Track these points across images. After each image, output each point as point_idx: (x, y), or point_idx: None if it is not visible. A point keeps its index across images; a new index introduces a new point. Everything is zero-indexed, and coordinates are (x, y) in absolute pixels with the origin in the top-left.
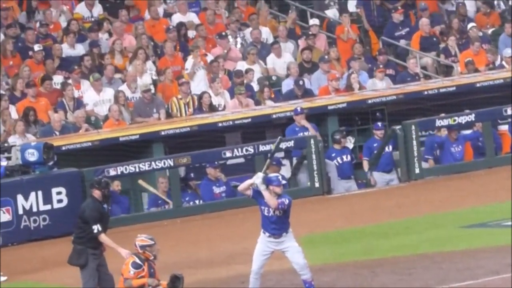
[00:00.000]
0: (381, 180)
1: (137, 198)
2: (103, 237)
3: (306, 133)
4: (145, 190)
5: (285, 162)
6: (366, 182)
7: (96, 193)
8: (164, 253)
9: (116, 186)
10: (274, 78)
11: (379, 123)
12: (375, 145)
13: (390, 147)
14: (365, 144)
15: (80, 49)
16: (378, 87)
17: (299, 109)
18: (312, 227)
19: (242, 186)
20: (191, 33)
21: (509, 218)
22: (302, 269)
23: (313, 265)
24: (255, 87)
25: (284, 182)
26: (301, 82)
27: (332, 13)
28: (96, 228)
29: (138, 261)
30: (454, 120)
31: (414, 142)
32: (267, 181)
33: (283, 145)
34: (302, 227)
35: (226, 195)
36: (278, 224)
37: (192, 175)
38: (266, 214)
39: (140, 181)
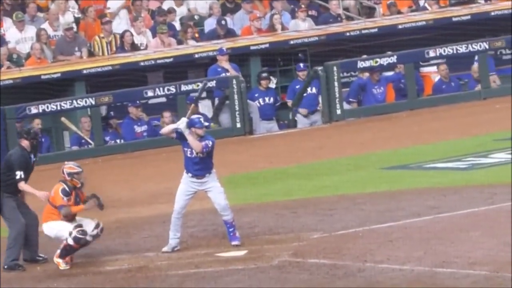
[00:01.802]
0: (305, 121)
1: (58, 136)
2: (22, 185)
3: (228, 74)
4: (67, 129)
5: (207, 102)
6: (288, 123)
7: (24, 143)
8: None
9: (36, 124)
10: (196, 17)
11: (301, 64)
12: (297, 86)
13: (314, 88)
14: (289, 86)
15: None
16: (301, 28)
17: (224, 49)
18: (234, 168)
19: (165, 130)
20: None
21: (431, 160)
22: (223, 210)
23: (234, 205)
24: (178, 26)
25: (206, 124)
26: (223, 22)
27: None
28: (19, 174)
29: (66, 188)
30: (376, 62)
31: (336, 84)
32: (190, 124)
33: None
34: (224, 168)
35: (147, 134)
36: (201, 165)
37: (113, 114)
38: (189, 155)
39: (63, 119)
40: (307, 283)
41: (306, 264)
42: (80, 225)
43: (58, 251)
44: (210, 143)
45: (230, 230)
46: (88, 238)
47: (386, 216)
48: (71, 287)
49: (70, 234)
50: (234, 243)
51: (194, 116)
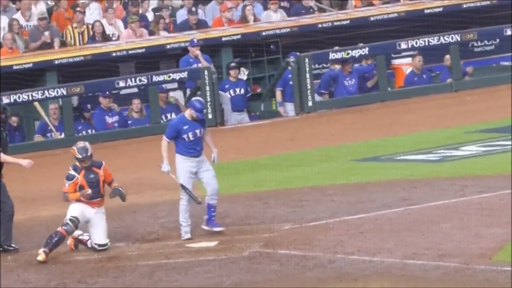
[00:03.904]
0: (291, 111)
1: (30, 126)
2: (3, 156)
3: (200, 65)
4: (38, 118)
5: (179, 93)
6: (259, 114)
7: None
8: (56, 182)
9: (13, 122)
10: (169, 8)
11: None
12: (290, 75)
13: (242, 89)
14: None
15: None
16: (273, 19)
17: (195, 40)
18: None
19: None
20: None
21: (402, 152)
22: (214, 192)
23: (204, 196)
24: (150, 17)
25: (201, 114)
26: (193, 9)
27: None
28: None
29: (72, 171)
30: (348, 54)
31: (308, 75)
32: (190, 104)
33: (176, 76)
34: None
35: (118, 125)
36: (198, 146)
37: (88, 105)
38: (187, 140)
39: (36, 103)
40: (278, 274)
41: (276, 255)
42: (76, 218)
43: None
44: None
45: (213, 214)
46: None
47: (357, 207)
48: (42, 277)
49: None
50: (217, 229)
51: (196, 99)
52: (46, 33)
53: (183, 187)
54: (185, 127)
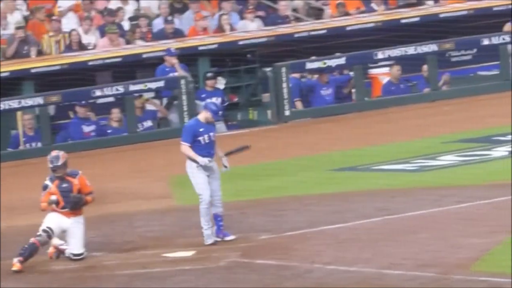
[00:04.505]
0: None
1: (7, 136)
2: None
3: (176, 74)
4: (15, 128)
5: (156, 101)
6: (236, 123)
7: None
8: (34, 191)
9: None
10: (145, 17)
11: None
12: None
13: (219, 98)
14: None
15: None
16: (250, 29)
17: (172, 50)
18: (181, 168)
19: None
20: None
21: (380, 162)
22: (219, 200)
23: (183, 206)
24: (126, 26)
25: (218, 117)
26: (170, 18)
27: None
28: None
29: (47, 181)
30: (325, 63)
31: (284, 85)
32: (206, 105)
33: (153, 85)
34: (173, 168)
35: (95, 134)
36: (212, 148)
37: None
38: (203, 143)
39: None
40: (255, 283)
41: (254, 264)
42: (49, 228)
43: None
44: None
45: (221, 224)
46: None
47: (334, 217)
48: (19, 286)
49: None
50: (228, 238)
51: (212, 102)
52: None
53: (229, 153)
54: (201, 130)
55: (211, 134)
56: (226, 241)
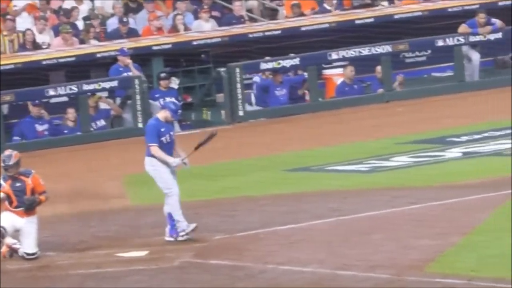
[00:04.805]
0: None
1: None
2: None
3: (130, 73)
4: None
5: (109, 100)
6: (190, 123)
7: None
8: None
9: None
10: (99, 17)
11: None
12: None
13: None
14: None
15: None
16: (204, 29)
17: (125, 49)
18: (136, 168)
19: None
20: None
21: (333, 163)
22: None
23: (136, 206)
24: (80, 25)
25: (176, 117)
26: (125, 19)
27: None
28: None
29: (0, 181)
30: (279, 64)
31: (239, 85)
32: (165, 104)
33: (107, 85)
34: (127, 167)
35: (49, 133)
36: (172, 148)
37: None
38: (165, 142)
39: None
40: (208, 284)
41: (207, 265)
42: (3, 227)
43: None
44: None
45: (174, 223)
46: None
47: (288, 218)
48: None
49: None
50: (182, 238)
51: (172, 101)
52: None
53: (199, 145)
54: (162, 129)
55: (171, 133)
56: (180, 241)
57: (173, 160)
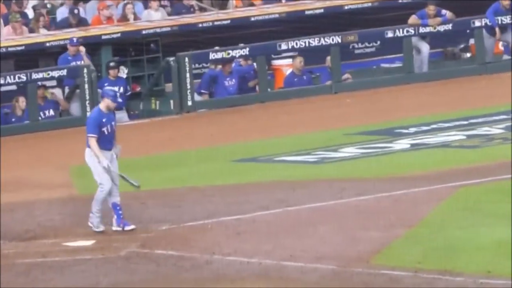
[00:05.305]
0: None
1: None
2: None
3: (78, 62)
4: None
5: (57, 91)
6: (138, 113)
7: None
8: None
9: None
10: (49, 6)
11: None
12: None
13: (122, 88)
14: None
15: None
16: (153, 18)
17: (75, 39)
18: (83, 158)
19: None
20: None
21: (281, 153)
22: (116, 189)
23: (83, 196)
24: (30, 14)
25: (120, 101)
26: (75, 11)
27: None
28: None
29: None
30: (228, 54)
31: (188, 75)
32: (104, 93)
33: (56, 74)
34: (74, 157)
35: None
36: (113, 138)
37: None
38: (106, 133)
39: None
40: (154, 274)
41: (153, 255)
42: None
43: None
44: None
45: (121, 213)
46: None
47: (234, 208)
48: None
49: None
50: (128, 228)
51: (110, 89)
52: None
53: (121, 176)
54: (104, 120)
55: (113, 123)
56: (126, 231)
57: (104, 161)
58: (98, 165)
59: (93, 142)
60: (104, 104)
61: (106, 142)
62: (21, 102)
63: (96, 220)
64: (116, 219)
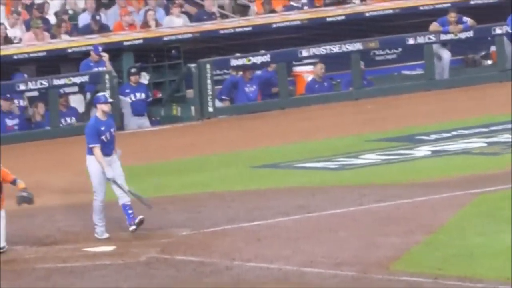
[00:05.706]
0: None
1: None
2: None
3: (100, 69)
4: None
5: (79, 96)
6: (160, 119)
7: None
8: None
9: None
10: (71, 12)
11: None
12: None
13: (143, 94)
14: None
15: None
16: (175, 25)
17: (99, 48)
18: None
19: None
20: None
21: (301, 160)
22: (121, 192)
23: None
24: (52, 20)
25: (111, 100)
26: (97, 17)
27: None
28: None
29: None
30: (249, 60)
31: (209, 81)
32: (95, 101)
33: (77, 80)
34: None
35: (19, 128)
36: (112, 144)
37: None
38: (106, 140)
39: None
40: (174, 279)
41: (173, 260)
42: None
43: None
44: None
45: (130, 212)
46: None
47: (255, 214)
48: None
49: None
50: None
51: (100, 94)
52: None
53: (130, 192)
54: (102, 128)
55: (112, 130)
56: (147, 237)
57: (107, 171)
58: (94, 175)
59: (97, 151)
60: (99, 111)
61: (105, 149)
62: (40, 108)
63: (100, 229)
64: (127, 219)
